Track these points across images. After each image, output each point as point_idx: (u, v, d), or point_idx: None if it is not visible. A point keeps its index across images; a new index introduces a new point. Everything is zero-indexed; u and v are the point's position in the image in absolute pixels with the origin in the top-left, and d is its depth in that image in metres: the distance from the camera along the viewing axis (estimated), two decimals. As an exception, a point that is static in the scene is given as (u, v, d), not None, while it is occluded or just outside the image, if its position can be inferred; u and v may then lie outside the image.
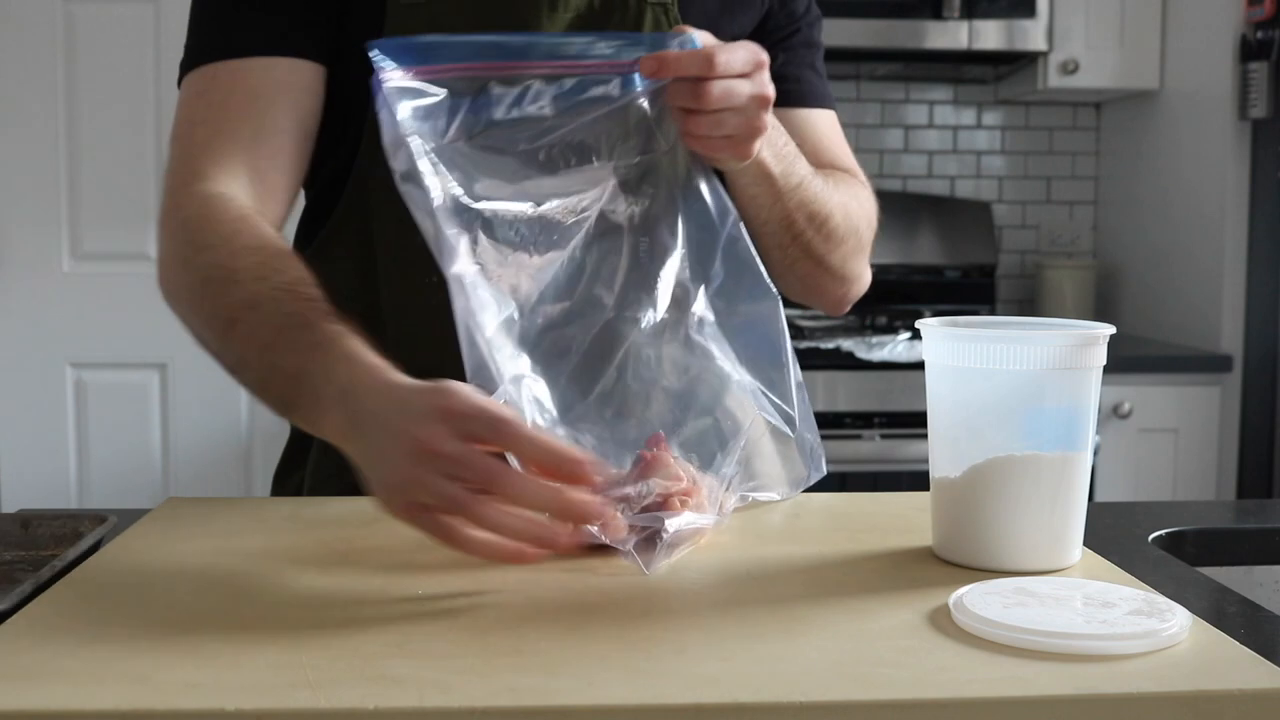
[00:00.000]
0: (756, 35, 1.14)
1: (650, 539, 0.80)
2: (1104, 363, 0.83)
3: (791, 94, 1.16)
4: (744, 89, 0.91)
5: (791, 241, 1.08)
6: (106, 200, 2.76)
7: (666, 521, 0.80)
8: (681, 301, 0.94)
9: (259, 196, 1.01)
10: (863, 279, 1.19)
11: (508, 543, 0.73)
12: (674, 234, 0.95)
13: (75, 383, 2.80)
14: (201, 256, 0.96)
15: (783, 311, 0.98)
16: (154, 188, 2.79)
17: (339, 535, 0.90)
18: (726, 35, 1.01)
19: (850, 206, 1.14)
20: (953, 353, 0.82)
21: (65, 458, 2.80)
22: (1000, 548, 0.81)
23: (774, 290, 0.98)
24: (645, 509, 0.80)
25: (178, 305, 1.00)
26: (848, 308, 1.20)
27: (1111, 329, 0.83)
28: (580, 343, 0.90)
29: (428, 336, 1.05)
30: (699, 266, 0.95)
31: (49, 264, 2.77)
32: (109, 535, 0.89)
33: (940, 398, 0.84)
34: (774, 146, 1.01)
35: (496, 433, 0.73)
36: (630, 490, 0.80)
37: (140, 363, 2.81)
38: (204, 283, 0.95)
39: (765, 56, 0.93)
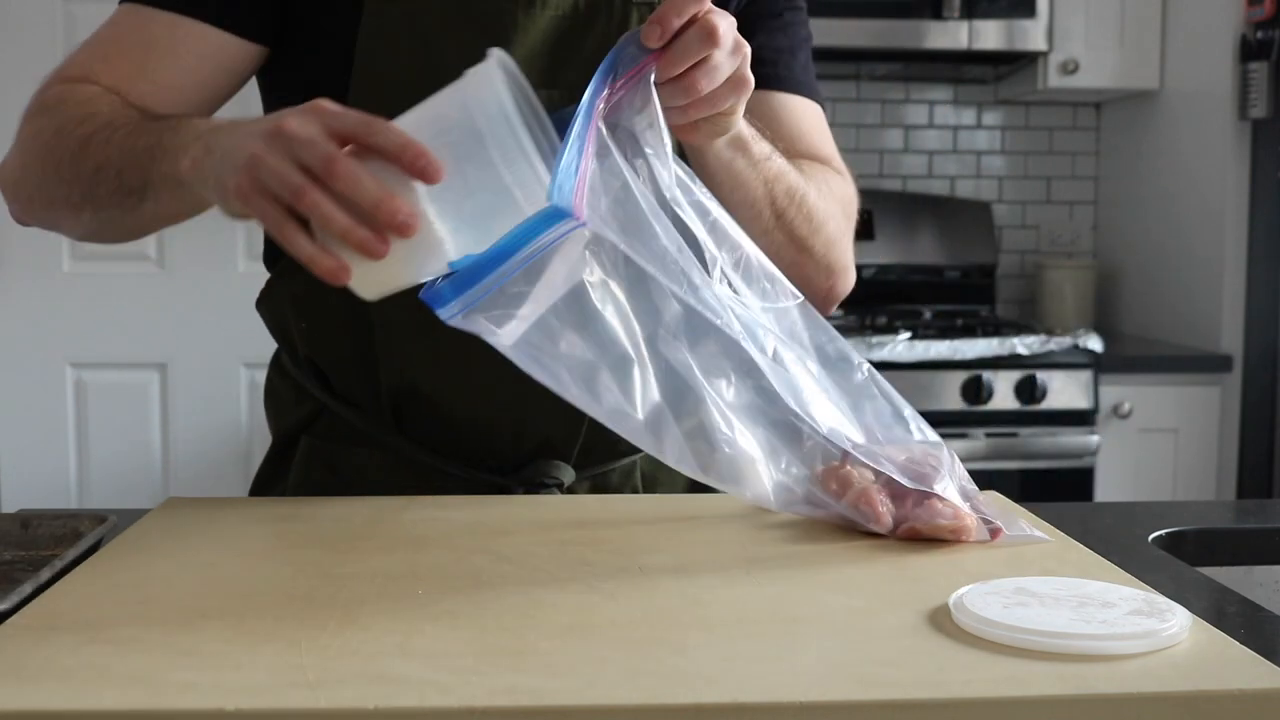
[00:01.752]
0: (739, 15, 1.14)
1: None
2: None
3: (768, 77, 1.13)
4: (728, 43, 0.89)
5: (775, 221, 1.06)
6: (106, 200, 2.76)
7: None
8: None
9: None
10: (849, 272, 1.16)
11: (327, 259, 0.74)
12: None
13: (75, 383, 2.80)
14: (53, 116, 0.98)
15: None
16: (154, 188, 2.79)
17: (339, 535, 0.90)
18: None
19: (823, 189, 1.11)
20: None
21: (65, 458, 2.80)
22: None
23: None
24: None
25: (22, 173, 1.01)
26: (834, 305, 1.17)
27: None
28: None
29: (418, 345, 1.06)
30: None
31: (49, 264, 2.77)
32: (109, 535, 0.89)
33: None
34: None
35: (364, 124, 0.74)
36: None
37: (140, 363, 2.81)
38: (56, 131, 0.97)
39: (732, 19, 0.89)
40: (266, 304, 1.15)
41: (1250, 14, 2.60)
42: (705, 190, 0.90)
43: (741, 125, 0.99)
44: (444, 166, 0.73)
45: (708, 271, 0.87)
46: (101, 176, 0.93)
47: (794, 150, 1.12)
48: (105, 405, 2.80)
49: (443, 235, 0.76)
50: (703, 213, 0.89)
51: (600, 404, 0.82)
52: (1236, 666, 0.65)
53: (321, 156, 0.73)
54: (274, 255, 1.14)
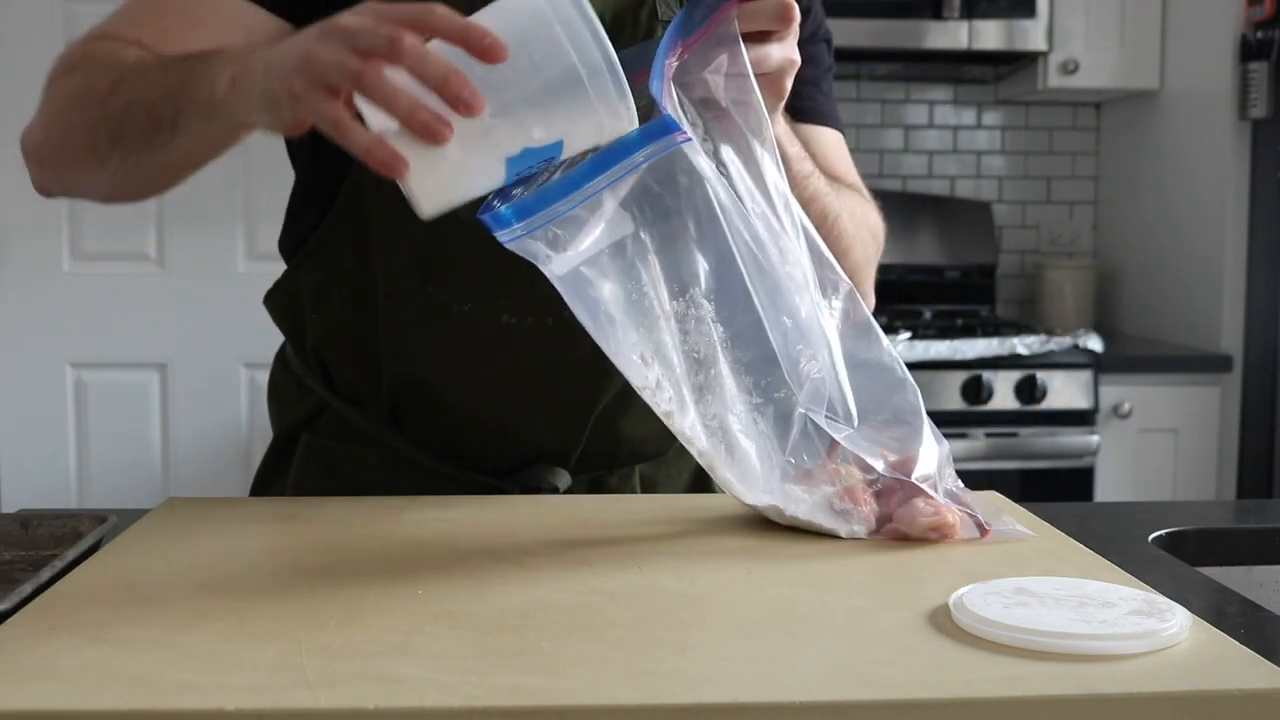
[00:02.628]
0: None
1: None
2: None
3: (793, 109, 1.15)
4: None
5: None
6: (106, 200, 2.76)
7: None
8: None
9: None
10: (869, 299, 1.15)
11: (385, 148, 0.72)
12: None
13: (75, 383, 2.80)
14: (80, 71, 0.96)
15: None
16: (154, 188, 2.80)
17: (339, 535, 0.90)
18: None
19: (856, 215, 1.13)
20: None
21: (65, 458, 2.80)
22: None
23: None
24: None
25: (44, 134, 0.99)
26: None
27: None
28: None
29: (423, 341, 1.06)
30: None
31: (49, 264, 2.77)
32: (109, 535, 0.89)
33: None
34: (784, 129, 1.00)
35: (420, 10, 0.72)
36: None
37: (140, 363, 2.81)
38: (83, 84, 0.95)
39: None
40: (276, 297, 1.15)
41: (1250, 14, 2.60)
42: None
43: (784, 141, 0.98)
44: (508, 48, 0.72)
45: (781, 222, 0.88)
46: (131, 113, 0.90)
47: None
48: (105, 405, 2.80)
49: (502, 125, 0.74)
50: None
51: (622, 357, 0.81)
52: (1236, 666, 0.65)
53: (385, 36, 0.71)
54: (293, 245, 1.14)
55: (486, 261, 1.05)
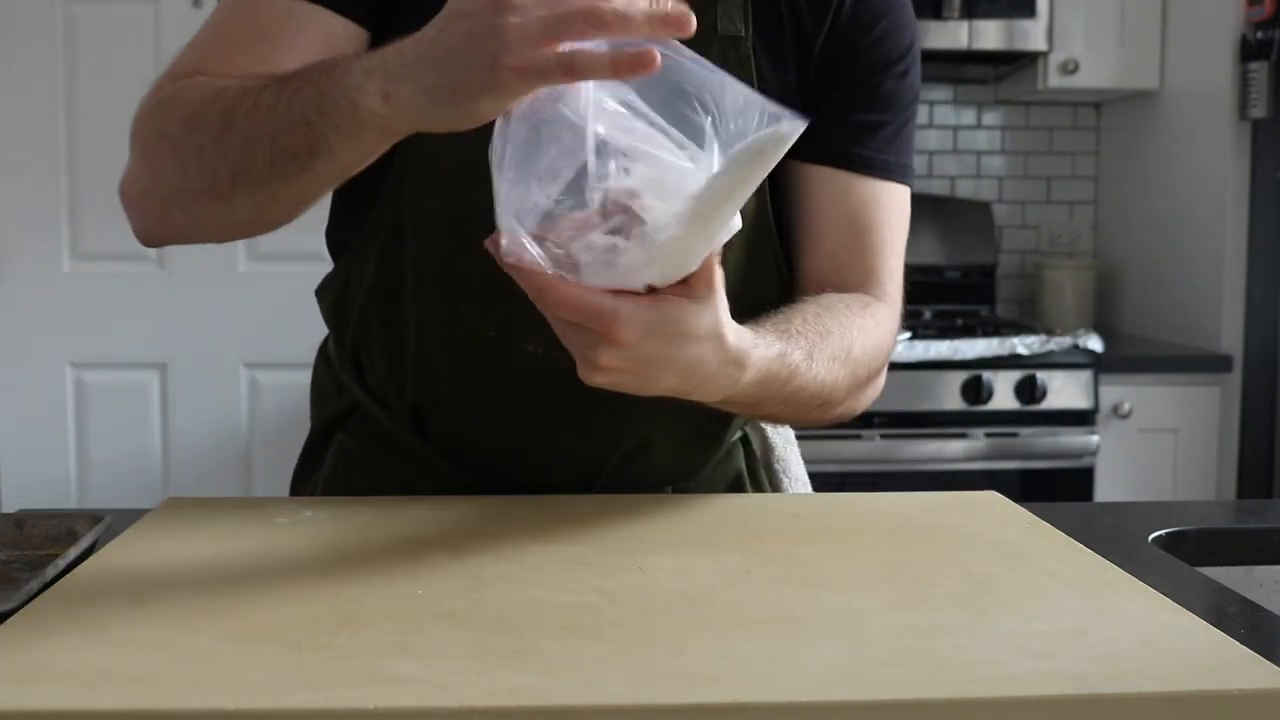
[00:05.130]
0: (825, 65, 1.04)
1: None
2: None
3: (839, 153, 1.04)
4: None
5: (819, 413, 0.97)
6: (106, 200, 2.74)
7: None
8: None
9: None
10: (868, 403, 1.05)
11: (628, 51, 0.69)
12: None
13: (75, 383, 2.80)
14: (177, 108, 0.91)
15: None
16: (154, 188, 2.79)
17: (339, 535, 0.90)
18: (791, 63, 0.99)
19: (853, 353, 0.97)
20: None
21: (65, 458, 2.80)
22: None
23: None
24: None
25: (152, 179, 0.94)
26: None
27: None
28: None
29: (450, 361, 1.05)
30: None
31: (49, 264, 2.77)
32: (105, 535, 0.89)
33: None
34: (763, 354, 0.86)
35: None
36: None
37: (140, 363, 2.81)
38: (185, 120, 0.90)
39: None
40: (324, 291, 1.13)
41: (1250, 14, 2.60)
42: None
43: (771, 369, 0.86)
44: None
45: None
46: (255, 148, 0.85)
47: (838, 246, 1.03)
48: (105, 405, 2.80)
49: None
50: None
51: None
52: (1236, 666, 0.65)
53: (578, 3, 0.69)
54: (336, 245, 1.11)
55: (511, 290, 1.00)
